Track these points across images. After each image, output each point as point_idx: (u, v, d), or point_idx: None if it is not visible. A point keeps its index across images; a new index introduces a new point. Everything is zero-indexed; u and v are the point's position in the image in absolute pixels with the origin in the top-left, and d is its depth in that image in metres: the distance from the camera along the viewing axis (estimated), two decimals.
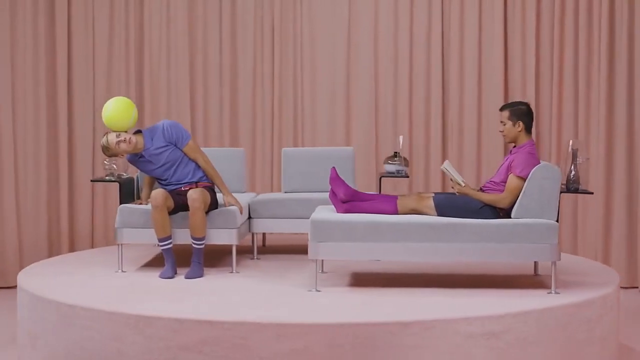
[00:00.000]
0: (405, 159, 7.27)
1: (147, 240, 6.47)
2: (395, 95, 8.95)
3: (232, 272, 6.47)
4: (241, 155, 7.50)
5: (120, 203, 6.62)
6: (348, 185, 6.12)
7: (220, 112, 9.07)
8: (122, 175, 6.82)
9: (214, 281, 6.21)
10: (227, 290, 5.94)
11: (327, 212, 6.06)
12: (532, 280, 6.24)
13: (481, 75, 8.88)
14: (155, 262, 6.81)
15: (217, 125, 9.08)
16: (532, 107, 8.41)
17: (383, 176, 7.21)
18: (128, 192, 6.77)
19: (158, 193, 6.20)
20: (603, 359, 5.70)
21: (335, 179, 6.11)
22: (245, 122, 9.08)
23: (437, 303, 5.51)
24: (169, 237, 6.29)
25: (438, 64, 8.87)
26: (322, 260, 6.46)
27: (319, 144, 8.92)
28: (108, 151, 6.38)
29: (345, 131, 8.98)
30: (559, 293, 5.76)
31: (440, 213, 5.95)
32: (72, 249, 8.90)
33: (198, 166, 6.54)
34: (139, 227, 6.43)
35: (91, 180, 6.91)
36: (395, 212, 6.00)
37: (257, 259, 7.05)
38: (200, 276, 6.27)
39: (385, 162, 7.30)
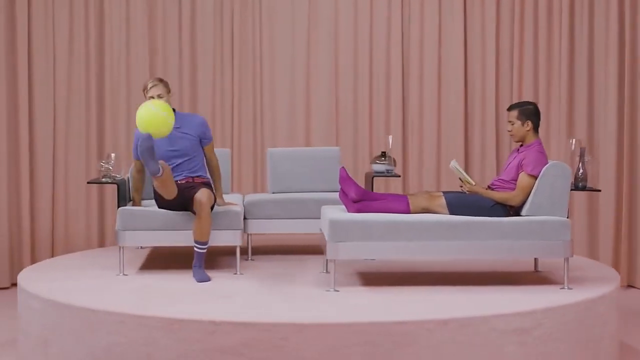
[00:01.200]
0: (393, 158, 7.32)
1: (149, 243, 6.36)
2: (355, 94, 8.97)
3: (236, 274, 6.40)
4: (226, 156, 7.43)
5: (118, 205, 6.50)
6: (359, 185, 6.14)
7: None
8: (116, 176, 6.68)
9: (224, 283, 6.13)
10: (244, 291, 5.88)
11: (340, 212, 6.07)
12: (536, 277, 6.38)
13: (441, 75, 8.94)
14: (152, 265, 6.71)
15: None
16: (492, 107, 8.65)
17: (375, 176, 7.23)
18: (121, 194, 6.65)
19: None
20: (611, 355, 5.85)
21: (345, 179, 6.13)
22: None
23: (467, 300, 5.57)
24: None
25: (398, 63, 8.91)
26: (327, 261, 6.47)
27: (279, 145, 8.89)
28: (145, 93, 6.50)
29: (305, 130, 8.99)
30: (571, 289, 5.90)
31: (452, 211, 6.04)
32: (33, 254, 8.70)
33: (200, 166, 6.54)
34: (140, 230, 6.31)
35: (88, 182, 6.72)
36: (408, 211, 6.06)
37: (251, 259, 7.01)
38: (209, 280, 6.18)
39: (373, 161, 7.34)
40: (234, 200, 6.85)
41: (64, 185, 8.74)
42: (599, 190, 6.45)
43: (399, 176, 7.28)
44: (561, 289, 5.92)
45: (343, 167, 6.22)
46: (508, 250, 5.89)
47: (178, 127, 6.49)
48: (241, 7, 8.94)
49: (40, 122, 8.70)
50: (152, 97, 6.41)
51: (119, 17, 8.81)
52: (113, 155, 6.63)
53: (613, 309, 5.89)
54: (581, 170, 6.15)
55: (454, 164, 6.12)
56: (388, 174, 7.25)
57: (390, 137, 7.39)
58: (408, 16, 8.95)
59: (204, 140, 6.58)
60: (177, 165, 6.46)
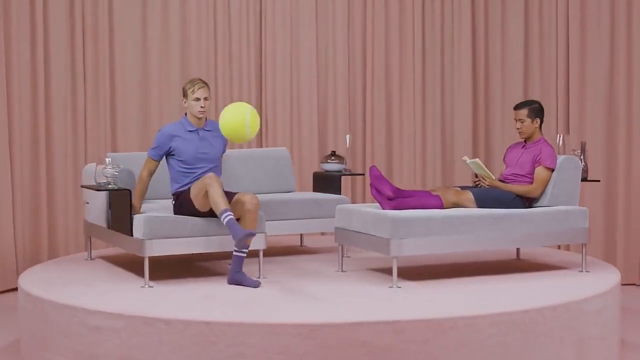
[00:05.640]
0: (342, 157, 7.43)
1: (178, 251, 6.01)
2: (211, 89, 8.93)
3: (259, 278, 6.22)
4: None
5: (130, 212, 6.06)
6: (391, 183, 6.25)
7: (35, 113, 8.48)
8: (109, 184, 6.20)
9: (271, 287, 5.96)
10: (312, 293, 5.78)
11: (375, 209, 6.18)
12: (528, 264, 6.84)
13: (292, 70, 9.10)
14: (163, 275, 6.30)
15: (30, 126, 8.52)
16: (346, 103, 8.98)
17: (344, 174, 7.32)
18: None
19: (214, 175, 5.97)
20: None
21: (379, 177, 6.20)
22: (57, 125, 8.63)
23: (542, 287, 5.94)
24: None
25: (254, 60, 9.02)
26: (343, 259, 6.51)
27: (132, 149, 8.65)
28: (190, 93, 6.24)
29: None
30: (589, 272, 6.44)
31: (479, 205, 6.35)
32: None
33: (219, 175, 6.39)
34: (170, 238, 5.95)
35: (97, 189, 6.13)
36: (442, 207, 6.27)
37: None
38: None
39: (324, 161, 7.41)
40: None
41: None
42: (598, 181, 7.03)
43: (363, 174, 7.41)
44: (579, 271, 6.46)
45: (374, 166, 6.28)
46: (540, 238, 6.35)
47: (210, 130, 6.34)
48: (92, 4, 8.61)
49: None
50: (199, 99, 6.21)
51: None
52: (109, 160, 6.15)
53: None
54: (583, 163, 6.69)
55: (474, 160, 6.42)
56: (347, 172, 7.36)
57: (348, 136, 7.48)
58: (264, 11, 9.03)
59: (224, 150, 6.50)
60: (200, 169, 6.25)
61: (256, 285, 5.89)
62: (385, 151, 9.16)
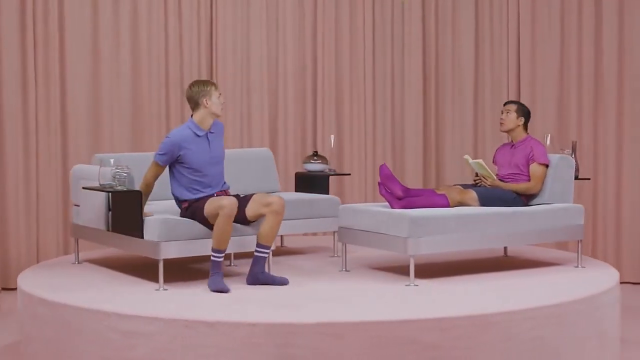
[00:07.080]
0: (324, 157, 7.42)
1: (193, 253, 5.87)
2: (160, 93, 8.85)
3: None
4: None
5: (141, 214, 5.90)
6: (400, 182, 6.29)
7: None
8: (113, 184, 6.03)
9: (291, 288, 5.90)
10: (336, 293, 5.74)
11: (387, 208, 6.23)
12: (518, 261, 6.97)
13: (242, 73, 9.06)
14: (167, 277, 6.14)
15: None
16: (297, 103, 9.06)
17: (331, 174, 7.30)
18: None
19: (233, 203, 5.71)
20: None
21: (389, 176, 6.23)
22: (9, 130, 8.43)
23: (555, 283, 6.09)
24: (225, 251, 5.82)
25: (205, 64, 8.98)
26: (346, 258, 6.50)
27: (82, 151, 8.50)
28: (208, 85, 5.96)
29: (110, 134, 8.68)
30: (584, 267, 6.62)
31: (483, 204, 6.46)
32: None
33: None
34: (185, 240, 5.82)
35: (105, 191, 5.92)
36: (448, 205, 6.35)
37: (234, 265, 6.72)
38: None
39: (307, 161, 7.37)
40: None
41: None
42: (589, 179, 7.22)
43: (349, 174, 7.40)
44: (575, 267, 6.64)
45: (385, 164, 6.30)
46: (542, 235, 6.49)
47: (213, 132, 6.07)
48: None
49: None
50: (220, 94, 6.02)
51: None
52: (112, 160, 5.99)
53: None
54: (573, 162, 6.86)
55: (477, 160, 6.53)
56: (331, 172, 7.35)
57: (333, 137, 7.46)
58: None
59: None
60: (216, 174, 6.05)
61: (285, 283, 5.84)
62: (335, 152, 9.16)
